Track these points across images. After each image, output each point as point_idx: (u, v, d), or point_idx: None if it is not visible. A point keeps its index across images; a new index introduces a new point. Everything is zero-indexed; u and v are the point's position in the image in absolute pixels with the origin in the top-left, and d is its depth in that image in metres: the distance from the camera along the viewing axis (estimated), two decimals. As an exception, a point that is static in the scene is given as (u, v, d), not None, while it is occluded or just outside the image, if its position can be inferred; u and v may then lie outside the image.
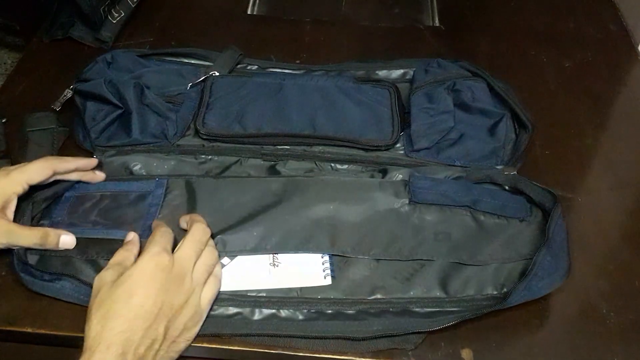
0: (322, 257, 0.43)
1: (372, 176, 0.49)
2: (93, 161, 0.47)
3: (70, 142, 0.51)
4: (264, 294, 0.41)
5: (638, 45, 0.65)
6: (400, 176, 0.48)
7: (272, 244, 0.43)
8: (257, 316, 0.40)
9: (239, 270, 0.42)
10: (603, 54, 0.64)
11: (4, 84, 0.58)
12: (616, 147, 0.55)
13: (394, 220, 0.45)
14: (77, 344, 0.39)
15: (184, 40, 0.63)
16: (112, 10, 0.62)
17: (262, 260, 0.43)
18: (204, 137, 0.50)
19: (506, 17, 0.69)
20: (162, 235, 0.40)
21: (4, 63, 0.64)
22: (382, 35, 0.65)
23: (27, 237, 0.41)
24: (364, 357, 0.39)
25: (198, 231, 0.40)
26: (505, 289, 0.42)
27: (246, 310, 0.41)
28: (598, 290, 0.44)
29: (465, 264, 0.43)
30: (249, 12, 0.69)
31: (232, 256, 0.43)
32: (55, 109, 0.51)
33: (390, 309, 0.41)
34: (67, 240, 0.42)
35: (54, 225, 0.44)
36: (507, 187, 0.48)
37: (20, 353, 0.44)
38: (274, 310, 0.41)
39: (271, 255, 0.43)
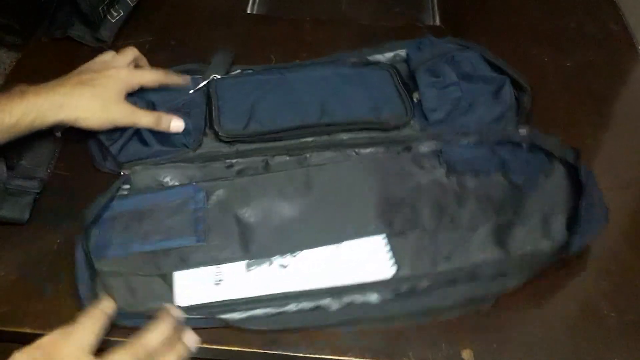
0: (386, 246, 0.43)
1: (399, 154, 0.50)
2: (186, 78, 0.52)
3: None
4: (331, 286, 0.42)
5: (639, 45, 0.65)
6: (426, 149, 0.49)
7: (331, 235, 0.44)
8: (335, 307, 0.41)
9: (305, 267, 0.42)
10: (604, 54, 0.64)
11: (3, 83, 0.58)
12: (617, 147, 0.55)
13: (437, 191, 0.46)
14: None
15: (183, 39, 0.62)
16: (111, 10, 0.62)
17: (327, 253, 0.43)
18: (225, 139, 0.49)
19: (507, 16, 0.69)
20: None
21: (3, 62, 0.64)
22: (382, 35, 0.65)
23: (146, 118, 0.48)
24: (364, 357, 0.39)
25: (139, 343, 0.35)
26: (557, 239, 0.44)
27: (324, 302, 0.41)
28: (599, 291, 0.44)
29: (514, 223, 0.45)
30: (248, 11, 0.68)
31: (294, 253, 0.43)
32: (57, 135, 0.50)
33: (460, 277, 0.42)
34: (177, 124, 0.48)
35: (102, 253, 0.42)
36: (523, 146, 0.50)
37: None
38: (351, 298, 0.41)
39: (334, 246, 0.43)
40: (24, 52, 0.61)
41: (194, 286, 0.41)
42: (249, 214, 0.45)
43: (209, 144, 0.50)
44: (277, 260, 0.43)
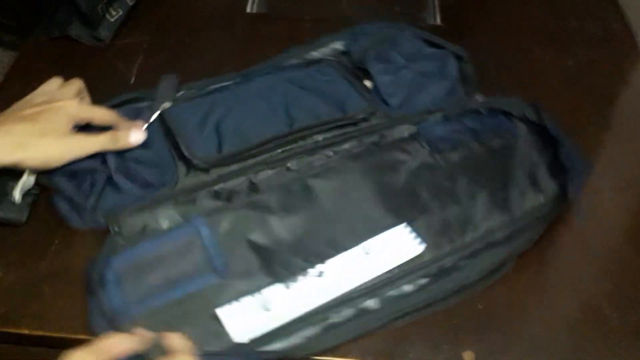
0: (405, 227, 0.44)
1: (376, 144, 0.50)
2: (139, 125, 0.48)
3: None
4: (370, 284, 0.41)
5: (641, 44, 0.65)
6: (400, 134, 0.50)
7: (348, 239, 0.44)
8: (377, 305, 0.41)
9: (336, 273, 0.42)
10: (606, 53, 0.63)
11: (1, 83, 0.57)
12: (619, 147, 0.54)
13: (428, 172, 0.47)
14: (74, 346, 0.38)
15: (182, 38, 0.62)
16: (110, 9, 0.61)
17: (354, 253, 0.43)
18: (202, 167, 0.47)
19: (509, 16, 0.68)
20: None
21: (1, 62, 0.64)
22: (382, 34, 0.65)
23: (100, 141, 0.44)
24: (363, 358, 0.39)
25: None
26: (549, 192, 0.46)
27: (368, 304, 0.41)
28: (601, 292, 0.43)
29: (506, 186, 0.46)
30: (248, 10, 0.68)
31: (324, 261, 0.42)
32: (13, 201, 0.44)
33: (478, 247, 0.43)
34: (137, 136, 0.46)
35: (123, 314, 0.39)
36: (483, 112, 0.51)
37: (17, 355, 0.44)
38: (387, 293, 0.41)
39: (359, 246, 0.43)
40: (22, 51, 0.61)
41: (244, 319, 0.39)
42: (261, 237, 0.43)
43: (186, 176, 0.47)
44: (311, 271, 0.42)
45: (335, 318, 0.40)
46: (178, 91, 0.53)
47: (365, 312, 0.40)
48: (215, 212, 0.44)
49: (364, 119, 0.51)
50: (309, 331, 0.39)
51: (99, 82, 0.57)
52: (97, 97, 0.56)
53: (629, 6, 0.69)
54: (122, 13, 0.62)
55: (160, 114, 0.50)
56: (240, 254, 0.42)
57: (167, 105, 0.50)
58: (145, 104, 0.51)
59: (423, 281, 0.42)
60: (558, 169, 0.46)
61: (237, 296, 0.40)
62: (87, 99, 0.49)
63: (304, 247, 0.43)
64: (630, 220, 0.48)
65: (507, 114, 0.50)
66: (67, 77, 0.53)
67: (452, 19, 0.67)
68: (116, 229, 0.43)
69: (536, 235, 0.44)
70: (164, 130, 0.49)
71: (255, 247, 0.43)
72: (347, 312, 0.40)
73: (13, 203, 0.45)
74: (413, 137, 0.49)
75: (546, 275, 0.44)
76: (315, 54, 0.57)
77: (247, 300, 0.40)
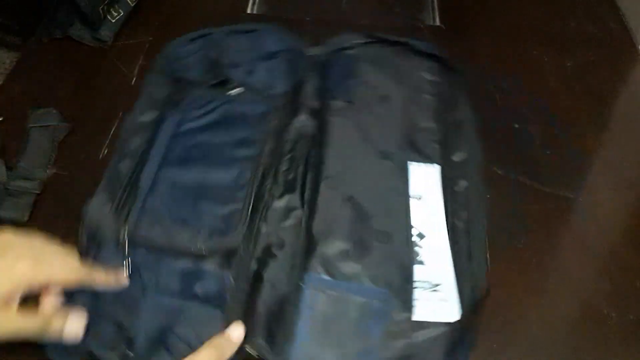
0: (413, 164, 0.47)
1: (304, 134, 0.50)
2: (120, 278, 0.40)
3: (73, 140, 0.51)
4: (447, 210, 0.45)
5: (639, 45, 0.65)
6: (310, 111, 0.51)
7: (399, 200, 0.46)
8: (465, 219, 0.45)
9: (427, 226, 0.44)
10: (604, 54, 0.63)
11: (3, 83, 0.57)
12: (617, 147, 0.54)
13: (372, 118, 0.50)
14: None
15: (183, 39, 0.62)
16: (111, 10, 0.62)
17: (414, 206, 0.45)
18: (234, 248, 0.42)
19: (507, 16, 0.69)
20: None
21: (3, 62, 0.64)
22: (382, 35, 0.65)
23: (31, 326, 0.35)
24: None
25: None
26: (440, 70, 0.56)
27: (459, 224, 0.45)
28: (599, 291, 0.44)
29: (410, 85, 0.53)
30: (248, 12, 0.68)
31: (411, 226, 0.44)
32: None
33: (455, 135, 0.50)
34: (73, 327, 0.36)
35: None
36: (330, 58, 0.56)
37: (18, 354, 0.44)
38: (458, 207, 0.45)
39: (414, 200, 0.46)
40: (24, 52, 0.61)
41: (435, 303, 0.40)
42: (348, 245, 0.43)
43: (224, 267, 0.42)
44: (415, 239, 0.43)
45: (464, 249, 0.43)
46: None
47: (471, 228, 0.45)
48: (296, 270, 0.42)
49: (280, 121, 0.50)
50: (469, 274, 0.42)
51: (101, 83, 0.58)
52: (99, 98, 0.56)
53: (627, 7, 0.69)
54: (124, 14, 0.62)
55: (129, 246, 0.43)
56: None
57: (126, 235, 0.43)
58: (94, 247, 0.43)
59: (464, 184, 0.47)
60: (429, 55, 0.55)
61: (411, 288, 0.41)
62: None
63: (386, 229, 0.43)
64: (630, 220, 0.49)
65: (349, 47, 0.56)
66: (67, 78, 0.54)
67: (452, 20, 0.67)
68: (253, 347, 0.39)
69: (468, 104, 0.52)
70: (153, 256, 0.42)
71: (356, 258, 0.42)
72: (466, 238, 0.44)
73: (14, 203, 0.45)
74: (324, 105, 0.51)
75: (546, 275, 0.44)
76: (159, 95, 0.53)
77: (417, 293, 0.41)
